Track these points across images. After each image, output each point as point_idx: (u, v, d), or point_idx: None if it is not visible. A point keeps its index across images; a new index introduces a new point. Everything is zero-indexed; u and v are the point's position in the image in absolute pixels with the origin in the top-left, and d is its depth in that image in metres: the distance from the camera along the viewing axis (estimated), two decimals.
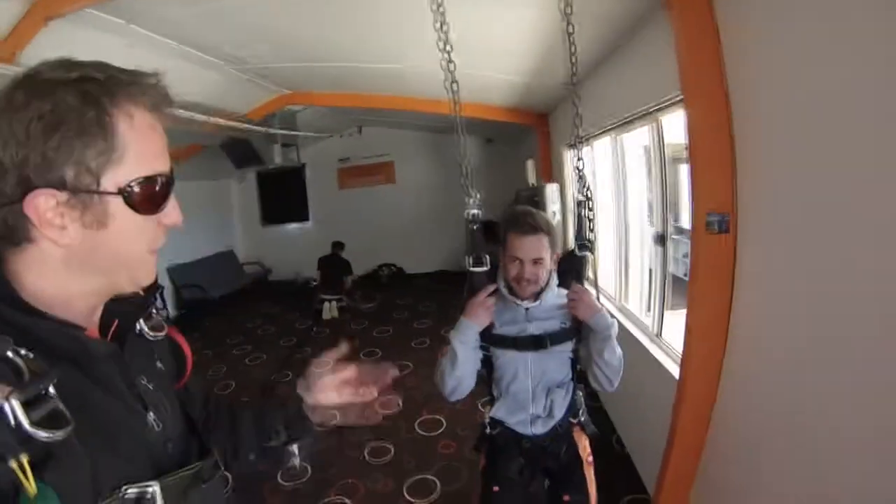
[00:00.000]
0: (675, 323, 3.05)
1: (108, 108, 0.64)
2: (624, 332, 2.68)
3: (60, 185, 0.63)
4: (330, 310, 7.38)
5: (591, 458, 2.01)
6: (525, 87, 4.39)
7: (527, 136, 6.61)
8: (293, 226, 9.77)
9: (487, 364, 1.92)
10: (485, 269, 1.85)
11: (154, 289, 0.85)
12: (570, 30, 1.89)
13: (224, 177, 9.42)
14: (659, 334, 3.06)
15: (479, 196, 1.86)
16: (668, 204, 2.95)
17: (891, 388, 1.35)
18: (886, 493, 1.38)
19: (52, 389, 0.58)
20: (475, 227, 1.85)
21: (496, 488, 1.95)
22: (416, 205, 9.78)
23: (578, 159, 1.97)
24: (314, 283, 7.98)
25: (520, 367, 1.88)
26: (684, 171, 2.94)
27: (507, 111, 5.69)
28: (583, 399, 2.02)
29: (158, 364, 0.89)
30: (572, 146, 3.49)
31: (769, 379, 1.92)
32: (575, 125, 1.97)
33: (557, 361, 1.90)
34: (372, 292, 8.71)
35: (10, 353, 0.57)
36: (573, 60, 1.95)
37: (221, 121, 4.90)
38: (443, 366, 1.85)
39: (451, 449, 3.79)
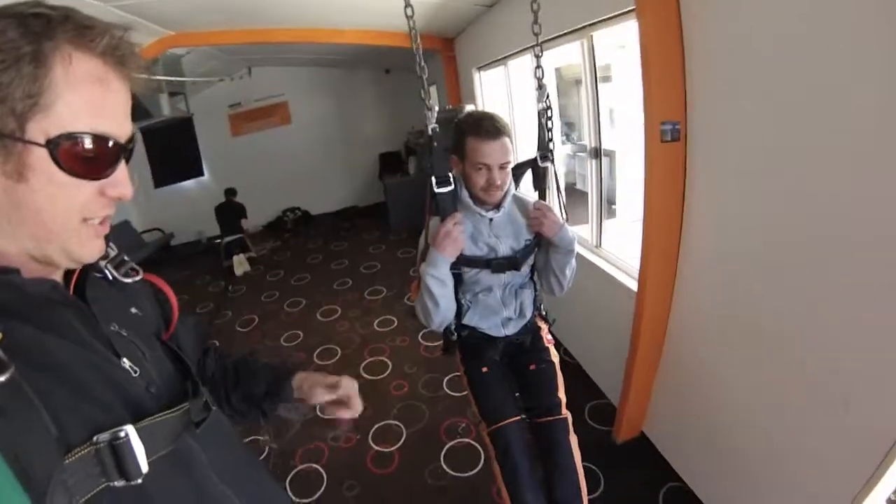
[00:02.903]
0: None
1: (45, 47, 0.58)
2: None
3: None
4: (240, 264, 7.04)
5: (549, 338, 2.10)
6: (432, 10, 4.20)
7: (428, 63, 6.42)
8: (189, 183, 8.95)
9: (457, 279, 1.84)
10: (450, 188, 1.73)
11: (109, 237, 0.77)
12: None
13: None
14: (599, 244, 3.20)
15: (436, 109, 1.75)
16: (599, 120, 3.00)
17: (835, 284, 1.53)
18: (830, 373, 1.59)
19: None
20: (436, 144, 1.71)
21: (485, 369, 1.98)
22: (315, 144, 9.41)
23: (538, 67, 1.90)
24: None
25: (493, 282, 1.90)
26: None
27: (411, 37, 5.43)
28: (542, 292, 2.05)
29: (133, 309, 0.84)
30: (482, 68, 3.40)
31: (720, 280, 2.09)
32: (534, 32, 1.90)
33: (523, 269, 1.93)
34: (265, 237, 8.58)
35: None
36: None
37: None
38: (423, 304, 1.77)
39: (405, 389, 3.78)
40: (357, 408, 1.10)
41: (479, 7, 4.14)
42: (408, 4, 1.70)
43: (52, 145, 0.59)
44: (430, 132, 1.71)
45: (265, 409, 1.09)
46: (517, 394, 2.01)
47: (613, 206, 4.58)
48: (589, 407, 3.19)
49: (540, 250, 1.92)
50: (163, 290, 0.95)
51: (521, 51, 3.83)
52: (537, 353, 2.03)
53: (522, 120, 4.46)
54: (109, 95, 0.64)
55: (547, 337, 2.09)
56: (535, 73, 1.91)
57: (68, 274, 0.74)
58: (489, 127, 1.70)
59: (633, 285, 2.61)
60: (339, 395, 1.08)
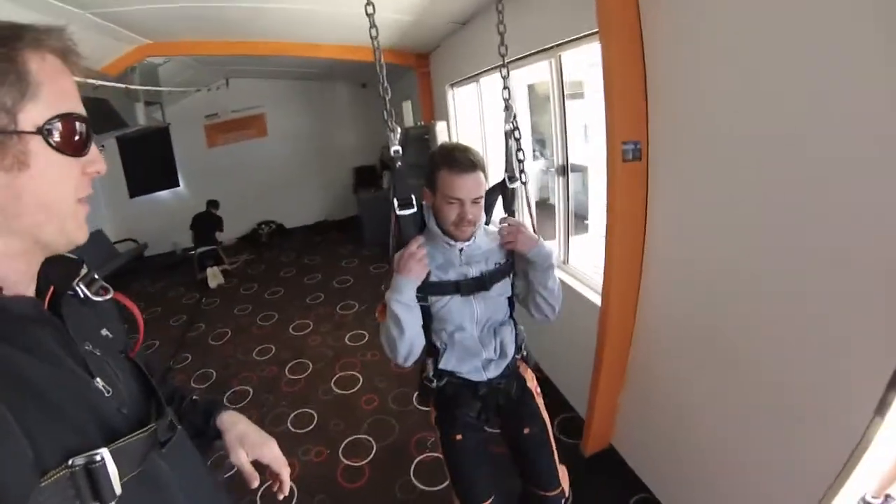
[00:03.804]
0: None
1: (17, 47, 0.65)
2: None
3: None
4: (214, 276, 6.96)
5: (538, 389, 1.99)
6: (407, 26, 4.24)
7: (404, 79, 6.48)
8: (164, 193, 8.86)
9: (425, 315, 1.74)
10: (412, 210, 1.69)
11: (79, 262, 0.83)
12: None
13: None
14: (566, 261, 3.26)
15: (399, 131, 1.72)
16: (566, 137, 3.07)
17: (796, 295, 1.59)
18: (790, 384, 1.65)
19: None
20: (399, 165, 1.66)
21: (458, 436, 1.87)
22: (291, 157, 9.41)
23: (504, 88, 1.91)
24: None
25: (465, 313, 1.77)
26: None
27: (386, 52, 5.44)
28: (524, 331, 1.96)
29: (104, 331, 0.85)
30: (454, 84, 3.43)
31: (683, 293, 2.15)
32: (501, 53, 1.92)
33: (499, 301, 1.83)
34: (239, 249, 8.58)
35: None
36: None
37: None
38: (388, 333, 1.66)
39: (375, 403, 3.78)
40: (285, 489, 1.11)
41: (452, 24, 4.20)
42: (372, 25, 1.67)
43: (44, 131, 0.66)
44: (392, 153, 1.67)
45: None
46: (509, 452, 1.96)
47: (586, 222, 4.65)
48: (558, 420, 3.21)
49: (518, 276, 1.84)
50: (130, 309, 0.94)
51: (493, 68, 3.90)
52: (528, 410, 1.92)
53: (494, 138, 4.53)
54: (72, 84, 0.71)
55: (535, 386, 1.98)
56: (502, 94, 1.92)
57: (41, 293, 0.74)
58: (462, 160, 1.63)
59: (599, 300, 2.64)
60: (265, 463, 1.07)
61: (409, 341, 1.65)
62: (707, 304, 2.00)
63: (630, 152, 2.15)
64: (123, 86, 4.98)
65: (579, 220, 4.56)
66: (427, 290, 1.71)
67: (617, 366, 2.56)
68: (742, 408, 1.89)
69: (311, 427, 3.57)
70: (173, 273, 7.82)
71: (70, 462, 0.61)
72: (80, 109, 0.71)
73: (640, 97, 2.07)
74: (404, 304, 1.63)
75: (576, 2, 2.26)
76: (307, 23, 4.22)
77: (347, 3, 3.48)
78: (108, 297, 0.86)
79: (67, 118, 0.68)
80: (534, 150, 5.42)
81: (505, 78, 1.93)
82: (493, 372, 1.84)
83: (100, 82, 4.52)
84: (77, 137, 0.69)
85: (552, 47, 2.78)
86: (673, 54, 1.93)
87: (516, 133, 1.89)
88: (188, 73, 6.70)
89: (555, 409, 3.24)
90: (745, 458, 1.90)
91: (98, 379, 0.73)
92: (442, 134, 5.03)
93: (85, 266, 0.84)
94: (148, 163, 8.41)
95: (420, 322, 1.70)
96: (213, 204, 7.61)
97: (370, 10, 1.67)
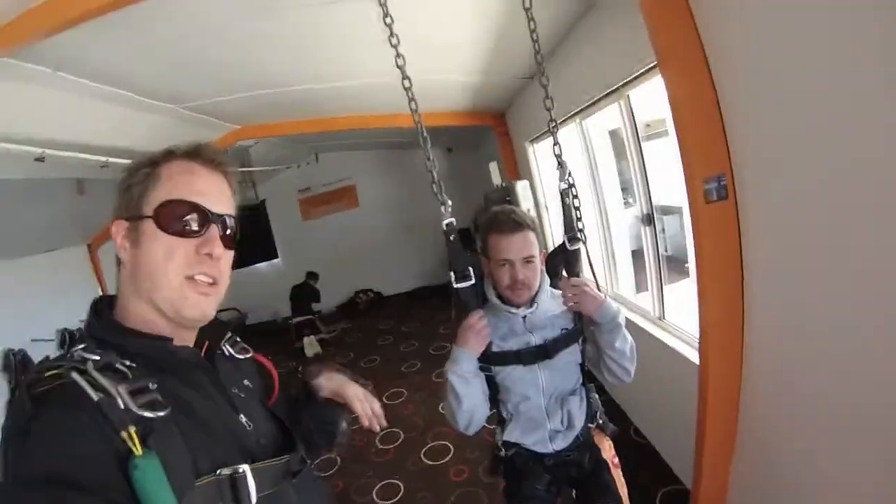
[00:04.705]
0: (670, 299, 2.95)
1: (159, 162, 0.89)
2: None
3: (125, 217, 0.87)
4: (311, 345, 7.13)
5: (616, 460, 1.87)
6: (478, 86, 4.25)
7: (486, 139, 6.49)
8: (263, 265, 9.42)
9: (491, 385, 1.73)
10: (470, 283, 1.66)
11: (228, 325, 1.05)
12: (528, 4, 1.73)
13: None
14: (662, 316, 2.91)
15: (450, 204, 1.66)
16: (648, 181, 2.80)
17: None
18: None
19: (152, 386, 0.75)
20: (452, 238, 1.64)
21: None
22: (383, 225, 9.63)
23: (555, 144, 1.79)
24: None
25: (529, 384, 1.72)
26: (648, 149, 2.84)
27: (463, 115, 5.53)
28: (598, 400, 1.87)
29: (246, 381, 1.04)
30: (533, 140, 3.29)
31: (794, 346, 1.77)
32: (546, 107, 1.80)
33: (567, 368, 1.74)
34: (337, 318, 8.77)
35: (117, 365, 0.75)
36: (534, 37, 1.77)
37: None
38: (449, 403, 1.66)
39: (465, 475, 3.57)
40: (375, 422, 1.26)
41: (520, 80, 4.13)
42: (411, 99, 1.69)
43: (156, 213, 0.84)
44: (444, 227, 1.62)
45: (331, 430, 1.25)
46: None
47: (686, 265, 4.27)
48: (662, 494, 2.83)
49: (588, 341, 1.74)
50: (265, 367, 1.16)
51: (567, 119, 3.74)
52: (602, 483, 1.78)
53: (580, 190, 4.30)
54: (196, 179, 0.89)
55: (612, 457, 1.85)
56: (554, 151, 1.80)
57: (198, 346, 0.95)
58: (506, 220, 1.64)
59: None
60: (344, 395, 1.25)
61: (469, 412, 1.65)
62: (826, 356, 1.61)
63: (714, 191, 1.86)
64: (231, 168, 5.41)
65: (679, 263, 4.17)
66: (489, 360, 1.69)
67: (724, 433, 2.15)
68: (883, 486, 1.47)
69: (396, 498, 3.46)
70: (273, 341, 8.07)
71: (218, 472, 0.77)
72: (201, 199, 0.87)
73: (716, 127, 1.79)
74: (460, 376, 1.62)
75: (636, 38, 2.06)
76: (382, 95, 4.34)
77: (422, 73, 3.54)
78: (249, 355, 1.10)
79: (175, 203, 0.85)
80: (624, 199, 5.12)
81: (554, 132, 1.82)
82: (561, 444, 1.76)
83: None
84: (183, 220, 0.85)
85: (617, 88, 2.57)
86: (747, 74, 1.65)
87: (573, 190, 1.79)
88: (278, 151, 7.14)
89: (659, 480, 2.93)
90: None
91: (242, 415, 0.93)
92: (524, 193, 4.86)
93: (230, 332, 1.07)
94: (247, 236, 9.01)
95: (482, 392, 1.69)
96: (312, 276, 7.90)
97: (406, 84, 1.68)
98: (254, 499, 0.79)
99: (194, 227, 0.86)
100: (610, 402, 3.52)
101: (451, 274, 1.65)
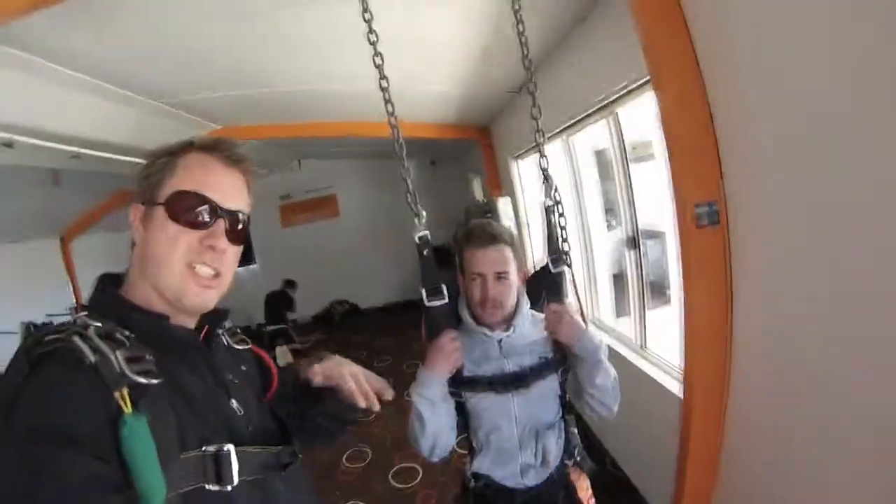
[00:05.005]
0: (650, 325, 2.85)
1: (178, 153, 0.92)
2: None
3: (142, 201, 0.90)
4: (283, 355, 6.91)
5: (592, 501, 1.75)
6: (463, 98, 4.17)
7: (470, 153, 6.41)
8: (240, 270, 9.06)
9: (461, 411, 1.61)
10: (443, 301, 1.53)
11: (227, 312, 1.04)
12: (517, 6, 1.63)
13: None
14: (643, 345, 2.80)
15: (425, 216, 1.55)
16: (634, 204, 2.71)
17: None
18: None
19: (149, 357, 0.77)
20: (425, 252, 1.53)
21: None
22: (364, 237, 9.49)
23: (542, 156, 1.68)
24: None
25: (501, 413, 1.59)
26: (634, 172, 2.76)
27: (448, 127, 5.45)
28: (577, 435, 1.72)
29: (243, 367, 1.06)
30: (518, 156, 3.20)
31: (784, 389, 1.68)
32: (533, 116, 1.67)
33: (544, 400, 1.61)
34: (312, 328, 8.66)
35: (117, 334, 0.77)
36: (522, 41, 1.66)
37: (144, 161, 4.36)
38: (413, 426, 1.54)
39: (433, 500, 3.46)
40: (373, 400, 1.15)
41: (507, 94, 4.04)
42: (388, 101, 1.59)
43: (167, 201, 0.87)
44: (416, 240, 1.52)
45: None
46: None
47: (668, 292, 4.19)
48: None
49: (569, 371, 1.61)
50: (264, 359, 1.15)
51: (553, 135, 3.65)
52: None
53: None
54: (211, 173, 0.92)
55: (587, 497, 1.73)
56: (540, 164, 1.69)
57: (198, 331, 0.96)
58: (480, 233, 1.55)
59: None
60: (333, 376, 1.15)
61: (433, 437, 1.52)
62: (818, 399, 1.51)
63: (705, 216, 1.76)
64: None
65: (659, 288, 4.11)
66: (460, 384, 1.58)
67: (704, 471, 2.05)
68: None
69: None
70: None
71: (203, 449, 0.79)
72: (212, 193, 0.89)
73: (710, 149, 1.70)
74: (427, 400, 1.50)
75: (629, 53, 1.96)
76: (367, 103, 4.22)
77: (406, 81, 3.44)
78: (247, 346, 1.11)
79: (186, 194, 0.88)
80: (607, 221, 5.06)
81: (540, 143, 1.70)
82: (533, 479, 1.62)
83: None
84: (191, 212, 0.87)
85: (606, 105, 2.49)
86: (744, 93, 1.56)
87: (559, 208, 1.67)
88: (259, 155, 6.96)
89: None
90: None
91: (234, 400, 0.93)
92: (506, 210, 4.77)
93: (231, 323, 1.09)
94: None
95: (449, 418, 1.56)
96: (289, 284, 7.77)
97: (384, 84, 1.57)
98: (235, 478, 0.80)
99: (202, 219, 0.88)
100: (585, 431, 3.39)
101: (423, 290, 1.53)
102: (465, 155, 7.03)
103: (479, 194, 5.83)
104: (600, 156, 4.57)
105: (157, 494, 0.68)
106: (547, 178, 1.68)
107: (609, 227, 5.47)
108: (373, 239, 9.49)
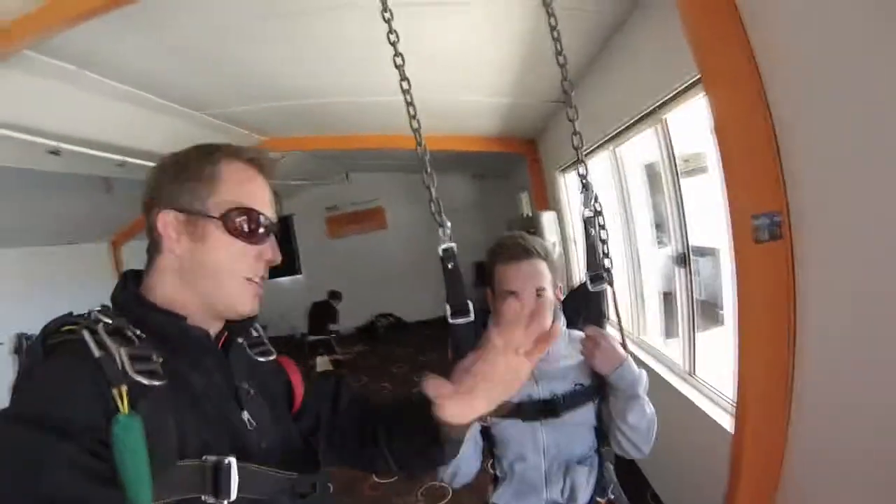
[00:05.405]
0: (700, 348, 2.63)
1: (217, 160, 0.90)
2: (650, 373, 2.20)
3: (179, 208, 0.87)
4: (323, 364, 6.98)
5: None
6: (508, 108, 4.06)
7: (517, 168, 6.29)
8: (285, 279, 9.39)
9: (487, 437, 1.50)
10: (468, 319, 1.43)
11: (253, 319, 0.98)
12: (553, 23, 1.54)
13: None
14: (692, 372, 2.58)
15: (449, 226, 1.45)
16: (685, 218, 2.51)
17: None
18: None
19: (155, 358, 0.76)
20: (451, 266, 1.43)
21: None
22: (411, 250, 9.35)
23: (580, 162, 1.56)
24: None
25: (527, 442, 1.47)
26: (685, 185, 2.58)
27: (493, 140, 5.35)
28: (613, 472, 1.56)
29: (263, 381, 1.00)
30: (564, 169, 3.06)
31: (853, 428, 1.45)
32: (570, 118, 1.56)
33: (577, 430, 1.49)
34: (355, 340, 8.71)
35: (126, 331, 0.77)
36: (560, 61, 1.56)
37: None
38: None
39: None
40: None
41: (552, 104, 3.90)
42: (409, 103, 1.53)
43: (223, 217, 0.86)
44: (440, 253, 1.43)
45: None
46: None
47: (720, 312, 3.96)
48: None
49: (605, 401, 1.47)
50: (286, 371, 1.10)
51: (599, 145, 3.49)
52: None
53: (610, 225, 4.04)
54: (258, 188, 0.92)
55: None
56: (578, 170, 1.58)
57: (218, 334, 0.93)
58: (513, 247, 1.45)
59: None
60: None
61: (454, 464, 1.37)
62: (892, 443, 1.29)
63: (765, 229, 1.56)
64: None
65: (711, 308, 3.86)
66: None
67: None
68: None
69: None
70: (290, 355, 7.98)
71: (204, 458, 0.76)
72: (263, 209, 0.90)
73: (770, 153, 1.51)
74: None
75: (674, 52, 1.81)
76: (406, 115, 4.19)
77: (442, 92, 3.39)
78: (272, 358, 1.06)
79: (244, 210, 0.88)
80: (658, 237, 4.84)
81: (577, 148, 1.58)
82: None
83: None
84: (250, 228, 0.88)
85: (653, 111, 2.32)
86: (811, 94, 1.38)
87: (599, 219, 1.56)
88: (306, 166, 7.10)
89: None
90: None
91: (245, 412, 0.89)
92: (549, 225, 4.59)
93: (258, 330, 1.06)
94: None
95: (475, 445, 1.46)
96: (334, 295, 7.83)
97: (405, 86, 1.52)
98: (233, 494, 0.76)
99: (259, 233, 0.90)
100: (624, 462, 3.17)
101: (447, 307, 1.43)
102: (513, 170, 6.92)
103: (526, 210, 5.69)
104: (650, 169, 4.36)
105: (140, 498, 0.66)
106: (586, 185, 1.56)
107: (659, 243, 5.24)
108: (420, 253, 9.34)
